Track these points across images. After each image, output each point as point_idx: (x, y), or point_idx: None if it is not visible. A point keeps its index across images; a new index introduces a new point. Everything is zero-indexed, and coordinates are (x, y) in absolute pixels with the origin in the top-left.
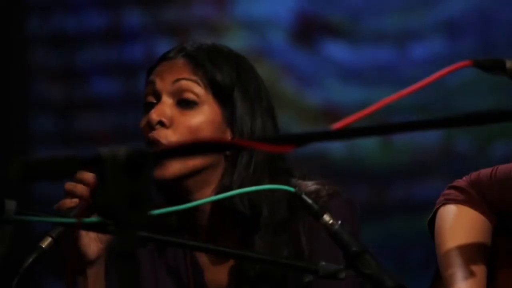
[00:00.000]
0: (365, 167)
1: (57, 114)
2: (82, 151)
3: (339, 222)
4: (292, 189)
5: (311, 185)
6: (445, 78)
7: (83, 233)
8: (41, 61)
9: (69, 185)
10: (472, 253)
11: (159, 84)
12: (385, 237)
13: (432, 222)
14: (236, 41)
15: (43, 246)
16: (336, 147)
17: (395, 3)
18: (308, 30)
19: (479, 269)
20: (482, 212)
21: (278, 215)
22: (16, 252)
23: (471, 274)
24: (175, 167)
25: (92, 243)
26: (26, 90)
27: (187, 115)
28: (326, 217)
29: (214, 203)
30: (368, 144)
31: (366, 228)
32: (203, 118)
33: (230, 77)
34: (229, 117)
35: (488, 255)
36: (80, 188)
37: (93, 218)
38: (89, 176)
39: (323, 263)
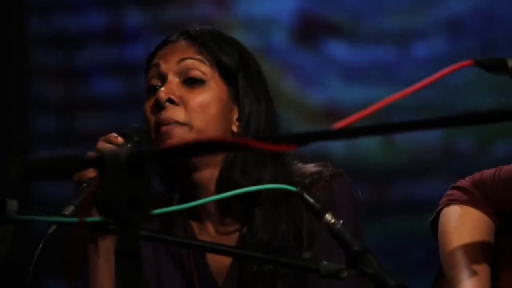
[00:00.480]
0: (366, 166)
1: (57, 114)
2: (83, 151)
3: (341, 221)
4: (294, 188)
5: (313, 167)
6: (446, 78)
7: None
8: (41, 61)
9: (92, 155)
10: (476, 253)
11: (164, 66)
12: (385, 236)
13: (435, 222)
14: None
15: (67, 214)
16: (337, 147)
17: (396, 3)
18: (310, 30)
19: (483, 269)
20: (485, 212)
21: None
22: (17, 251)
23: (475, 274)
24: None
25: None
26: (26, 90)
27: (195, 93)
28: (328, 216)
29: (218, 182)
30: (369, 144)
31: (367, 228)
32: (212, 95)
33: (234, 58)
34: (235, 96)
35: (491, 255)
36: None
37: (95, 218)
38: (115, 138)
39: (325, 262)
